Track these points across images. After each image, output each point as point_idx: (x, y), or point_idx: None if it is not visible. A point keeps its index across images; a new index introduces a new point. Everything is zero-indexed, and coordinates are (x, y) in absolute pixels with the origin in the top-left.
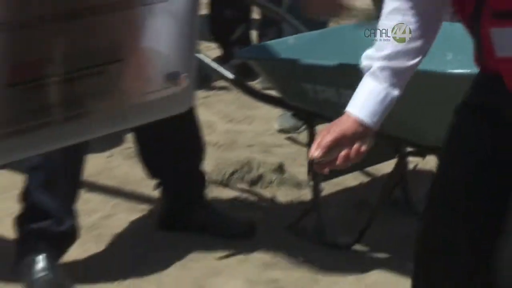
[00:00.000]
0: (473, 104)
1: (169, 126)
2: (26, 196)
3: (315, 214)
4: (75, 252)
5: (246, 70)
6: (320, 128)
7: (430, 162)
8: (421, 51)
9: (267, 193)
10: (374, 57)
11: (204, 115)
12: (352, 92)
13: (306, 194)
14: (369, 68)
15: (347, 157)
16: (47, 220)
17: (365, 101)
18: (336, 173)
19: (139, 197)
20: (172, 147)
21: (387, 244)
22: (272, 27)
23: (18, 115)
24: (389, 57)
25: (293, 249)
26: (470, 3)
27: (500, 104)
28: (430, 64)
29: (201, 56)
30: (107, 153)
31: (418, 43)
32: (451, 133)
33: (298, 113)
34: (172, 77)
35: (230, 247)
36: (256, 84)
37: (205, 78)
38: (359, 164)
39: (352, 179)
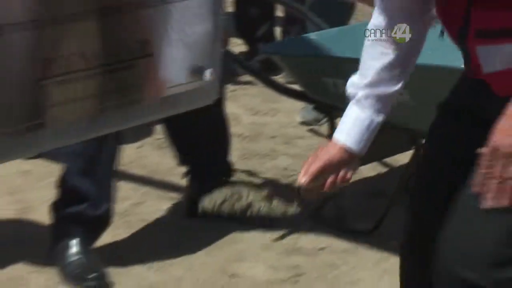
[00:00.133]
0: (455, 104)
1: (197, 117)
2: (63, 181)
3: (335, 202)
4: (107, 237)
5: (270, 65)
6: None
7: None
8: (404, 76)
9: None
10: (359, 86)
11: (230, 108)
12: None
13: None
14: (354, 96)
15: (333, 183)
16: (83, 204)
17: (351, 129)
18: None
19: (168, 185)
20: (200, 137)
21: None
22: (295, 24)
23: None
24: (372, 85)
25: (314, 236)
26: (456, 22)
27: (485, 105)
28: (447, 58)
29: (227, 51)
30: (138, 144)
31: (400, 69)
32: (431, 131)
33: (319, 106)
34: (198, 72)
35: (254, 234)
36: (279, 78)
37: (231, 73)
38: (377, 155)
39: (370, 170)
